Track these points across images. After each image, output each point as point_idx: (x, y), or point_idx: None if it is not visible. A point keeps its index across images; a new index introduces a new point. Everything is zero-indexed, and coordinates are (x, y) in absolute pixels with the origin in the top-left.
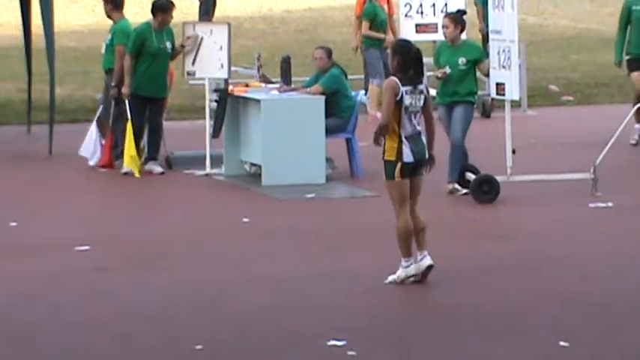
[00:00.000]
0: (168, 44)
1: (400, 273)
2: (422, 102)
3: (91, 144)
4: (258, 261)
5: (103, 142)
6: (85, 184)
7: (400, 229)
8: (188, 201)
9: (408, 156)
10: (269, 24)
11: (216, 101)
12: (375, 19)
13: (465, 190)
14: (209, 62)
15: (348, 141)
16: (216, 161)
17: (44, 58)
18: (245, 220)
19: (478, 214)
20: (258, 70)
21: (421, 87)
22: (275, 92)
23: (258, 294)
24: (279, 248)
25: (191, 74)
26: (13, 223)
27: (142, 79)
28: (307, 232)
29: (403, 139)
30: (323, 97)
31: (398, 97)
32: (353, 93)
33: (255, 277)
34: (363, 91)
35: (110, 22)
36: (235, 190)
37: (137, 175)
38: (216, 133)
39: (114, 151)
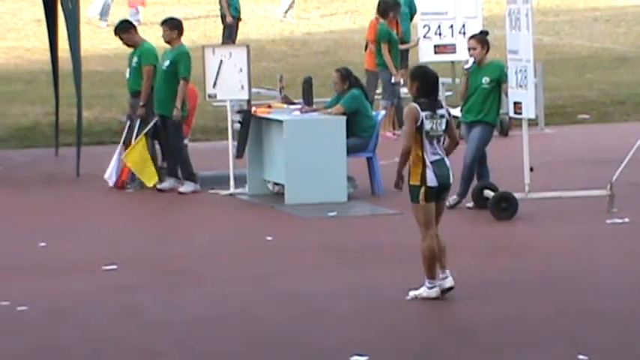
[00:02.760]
0: (167, 62)
1: (423, 292)
2: (443, 126)
3: (113, 167)
4: (281, 278)
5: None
6: (111, 205)
7: (425, 251)
8: (213, 220)
9: (432, 180)
10: (290, 46)
11: (239, 122)
12: (390, 40)
13: (469, 204)
14: (229, 84)
15: (369, 160)
16: (240, 181)
17: (71, 82)
18: (268, 238)
19: (496, 231)
20: (281, 92)
21: (441, 111)
22: (297, 113)
23: (282, 311)
24: (302, 266)
25: (212, 96)
26: (42, 244)
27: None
28: (329, 249)
29: (427, 164)
30: (344, 117)
31: (418, 123)
32: (373, 113)
33: (278, 294)
34: (383, 111)
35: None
36: (259, 209)
37: (149, 185)
38: (239, 154)
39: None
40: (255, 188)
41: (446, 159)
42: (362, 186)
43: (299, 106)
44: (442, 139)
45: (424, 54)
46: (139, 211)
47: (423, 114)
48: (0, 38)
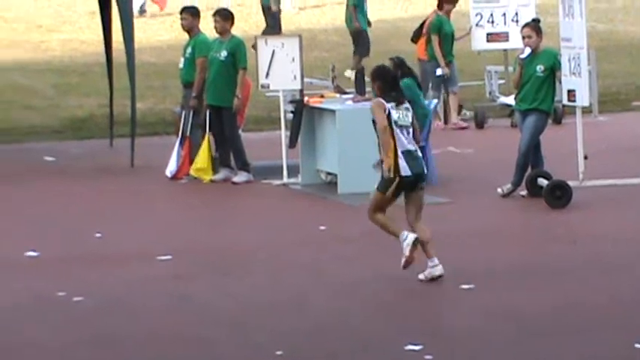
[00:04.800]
0: (224, 53)
1: (406, 246)
2: (410, 118)
3: (173, 161)
4: (334, 267)
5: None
6: (165, 195)
7: (381, 226)
8: (266, 210)
9: (405, 170)
10: (342, 36)
11: (292, 112)
12: (440, 32)
13: (523, 192)
14: (282, 74)
15: (422, 149)
16: (293, 171)
17: (125, 74)
18: (321, 227)
19: (550, 219)
20: (333, 81)
21: (405, 105)
22: (349, 102)
23: (336, 300)
24: (355, 255)
25: (265, 87)
26: (98, 234)
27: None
28: (382, 238)
29: (399, 154)
30: None
31: (386, 113)
32: (426, 102)
33: (331, 283)
34: (435, 100)
35: (187, 37)
36: (312, 198)
37: (206, 180)
38: (292, 144)
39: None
40: (308, 178)
41: (418, 151)
42: None
43: (351, 96)
44: (411, 131)
45: (477, 42)
46: (193, 201)
47: (388, 105)
48: (55, 31)
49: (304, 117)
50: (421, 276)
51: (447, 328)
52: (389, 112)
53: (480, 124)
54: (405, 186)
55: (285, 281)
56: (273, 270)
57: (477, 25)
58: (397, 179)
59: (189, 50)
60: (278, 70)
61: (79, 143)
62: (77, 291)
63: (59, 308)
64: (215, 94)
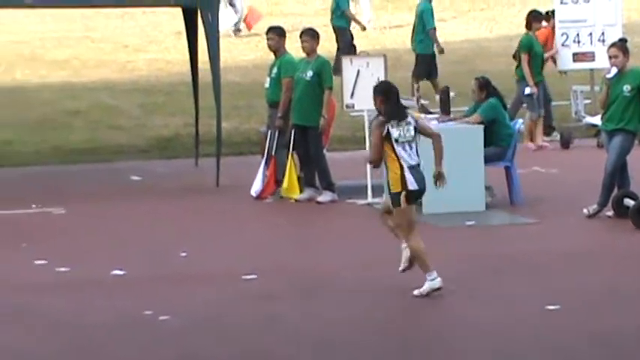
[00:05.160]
0: (310, 72)
1: (426, 287)
2: (412, 132)
3: (258, 181)
4: (419, 287)
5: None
6: (251, 215)
7: (416, 251)
8: (350, 229)
9: (412, 183)
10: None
11: None
12: (531, 52)
13: (609, 213)
14: (367, 94)
15: (507, 169)
16: (378, 190)
17: (211, 93)
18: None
19: (637, 240)
20: (418, 101)
21: (408, 119)
22: (434, 122)
23: (422, 319)
24: (440, 275)
25: (350, 106)
26: (183, 253)
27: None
28: (467, 258)
29: (405, 168)
30: (482, 127)
31: (384, 133)
32: (511, 122)
33: (417, 302)
34: (521, 120)
35: (272, 57)
36: None
37: (292, 200)
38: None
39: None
40: None
41: (421, 165)
42: (500, 195)
43: (436, 116)
44: (414, 144)
45: (563, 62)
46: (278, 220)
47: (388, 124)
48: (141, 50)
49: None
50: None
51: (537, 348)
52: (388, 131)
53: (565, 144)
54: (411, 199)
55: (372, 301)
56: (358, 290)
57: (563, 44)
58: (404, 192)
59: (275, 70)
60: (363, 90)
61: (165, 162)
62: (163, 310)
63: (145, 327)
64: (301, 114)
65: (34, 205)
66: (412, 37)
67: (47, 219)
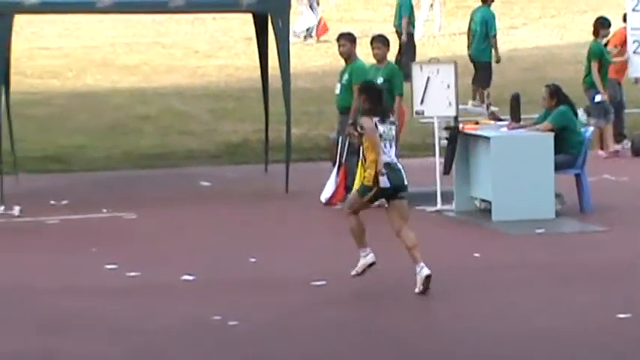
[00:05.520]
0: (380, 79)
1: (360, 264)
2: (393, 132)
3: (329, 187)
4: (489, 295)
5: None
6: (320, 221)
7: (351, 230)
8: (419, 236)
9: (384, 182)
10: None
11: (446, 139)
12: (602, 59)
13: None
14: (437, 101)
15: (578, 176)
16: (447, 197)
17: (280, 99)
18: (476, 255)
19: None
20: (488, 108)
21: (391, 119)
22: (504, 129)
23: (494, 326)
24: (511, 282)
25: (420, 113)
26: (252, 259)
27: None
28: (538, 266)
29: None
30: (552, 134)
31: (373, 124)
32: (582, 129)
33: (489, 310)
34: (591, 128)
35: (342, 63)
36: (466, 225)
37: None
38: (446, 170)
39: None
40: (462, 205)
41: (398, 163)
42: (570, 202)
43: (506, 123)
44: (394, 144)
45: (635, 69)
46: (347, 226)
47: (375, 119)
48: (212, 56)
49: (459, 143)
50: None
51: (605, 358)
52: (376, 125)
53: (636, 152)
54: (383, 196)
55: (441, 308)
56: (427, 296)
57: (634, 52)
58: (375, 189)
59: (345, 76)
60: (433, 97)
61: (235, 168)
62: (232, 315)
63: (213, 332)
64: None
65: (104, 210)
66: (469, 43)
67: (118, 224)
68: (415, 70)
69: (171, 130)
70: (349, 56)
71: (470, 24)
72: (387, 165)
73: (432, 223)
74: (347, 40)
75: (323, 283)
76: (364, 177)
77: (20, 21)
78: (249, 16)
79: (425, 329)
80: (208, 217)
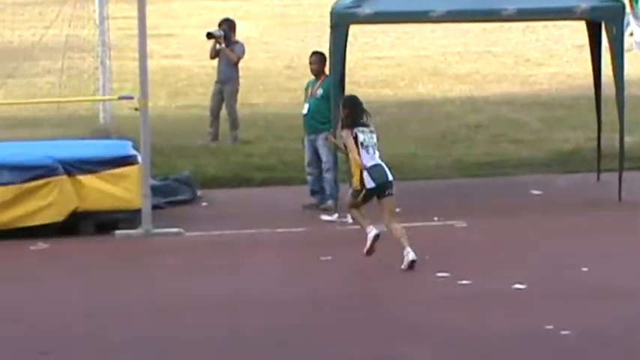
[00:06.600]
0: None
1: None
2: (374, 139)
3: None
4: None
5: None
6: None
7: (352, 215)
8: None
9: (369, 182)
10: None
11: None
12: None
13: None
14: None
15: None
16: None
17: (613, 107)
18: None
19: None
20: None
21: (371, 128)
22: None
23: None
24: None
25: None
26: (584, 268)
27: None
28: None
29: (364, 170)
30: None
31: (353, 136)
32: None
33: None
34: None
35: None
36: None
37: None
38: None
39: None
40: None
41: (382, 164)
42: None
43: None
44: (377, 150)
45: None
46: None
47: (355, 129)
48: (543, 64)
49: None
50: (402, 266)
51: None
52: (356, 135)
53: None
54: (372, 194)
55: None
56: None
57: None
58: (363, 191)
59: None
60: None
61: (565, 177)
62: (564, 325)
63: (545, 341)
64: None
65: (435, 218)
66: None
67: (449, 232)
68: None
69: (501, 138)
70: None
71: None
72: (373, 167)
73: None
74: None
75: None
76: (353, 184)
77: (354, 31)
78: (580, 24)
79: None
80: (538, 225)
